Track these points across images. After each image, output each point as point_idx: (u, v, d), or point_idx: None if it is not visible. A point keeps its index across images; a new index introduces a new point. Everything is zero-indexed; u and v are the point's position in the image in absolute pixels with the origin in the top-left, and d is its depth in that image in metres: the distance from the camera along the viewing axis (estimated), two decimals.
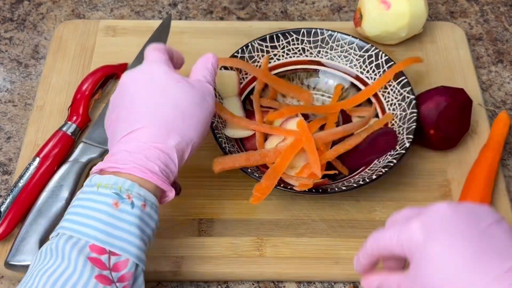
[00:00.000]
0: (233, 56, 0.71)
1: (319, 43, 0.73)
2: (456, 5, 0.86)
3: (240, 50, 0.71)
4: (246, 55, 0.72)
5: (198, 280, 0.62)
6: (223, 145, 0.63)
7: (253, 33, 0.81)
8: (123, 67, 0.75)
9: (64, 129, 0.69)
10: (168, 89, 0.55)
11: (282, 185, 0.61)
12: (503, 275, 0.40)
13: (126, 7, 0.86)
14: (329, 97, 0.73)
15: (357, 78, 0.72)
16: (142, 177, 0.51)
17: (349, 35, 0.72)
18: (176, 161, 0.54)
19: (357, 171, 0.65)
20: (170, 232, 0.64)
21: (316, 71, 0.74)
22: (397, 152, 0.63)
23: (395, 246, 0.46)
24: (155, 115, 0.54)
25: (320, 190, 0.61)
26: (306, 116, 0.69)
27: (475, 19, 0.85)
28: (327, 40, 0.72)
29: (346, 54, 0.72)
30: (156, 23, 0.81)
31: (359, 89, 0.72)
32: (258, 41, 0.72)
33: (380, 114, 0.69)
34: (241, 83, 0.71)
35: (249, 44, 0.72)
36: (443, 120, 0.66)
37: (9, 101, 0.76)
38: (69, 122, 0.69)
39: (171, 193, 0.54)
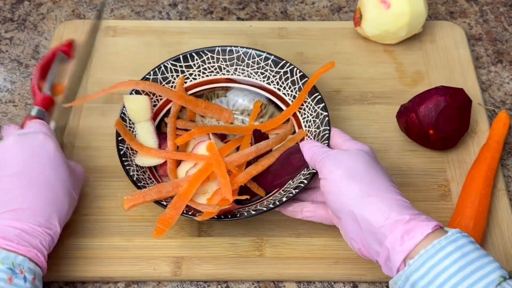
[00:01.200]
0: (144, 78, 0.69)
1: (235, 60, 0.71)
2: (456, 5, 0.86)
3: (152, 72, 0.69)
4: (159, 76, 0.70)
5: (198, 280, 0.63)
6: (131, 173, 0.62)
7: (254, 32, 0.81)
8: (69, 44, 0.76)
9: (32, 113, 0.69)
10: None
11: (190, 213, 0.59)
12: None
13: (126, 8, 0.86)
14: (248, 115, 0.71)
15: (275, 94, 0.71)
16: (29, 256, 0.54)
17: (264, 52, 0.71)
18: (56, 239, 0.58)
19: (272, 192, 0.64)
20: (170, 232, 0.64)
21: (233, 89, 0.72)
22: (309, 171, 0.62)
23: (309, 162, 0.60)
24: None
25: (229, 216, 0.60)
26: (224, 137, 0.68)
27: (474, 19, 0.85)
28: (242, 57, 0.71)
29: (262, 71, 0.71)
30: (156, 23, 0.82)
31: (277, 106, 0.71)
32: (171, 61, 0.70)
33: (297, 130, 0.68)
34: (155, 105, 0.69)
35: (161, 65, 0.70)
36: (443, 120, 0.66)
37: (10, 101, 0.76)
38: (34, 106, 0.70)
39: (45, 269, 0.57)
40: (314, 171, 0.61)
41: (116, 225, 0.65)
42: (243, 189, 0.63)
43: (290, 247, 0.63)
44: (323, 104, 0.66)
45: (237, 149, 0.66)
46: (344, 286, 0.62)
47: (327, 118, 0.65)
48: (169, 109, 0.70)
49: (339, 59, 0.79)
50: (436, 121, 0.66)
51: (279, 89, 0.71)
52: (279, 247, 0.63)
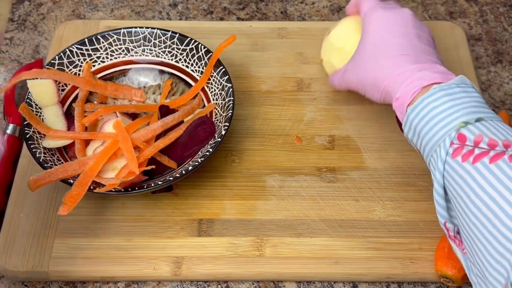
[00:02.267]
0: (49, 64, 0.69)
1: (142, 41, 0.72)
2: (456, 6, 0.86)
3: (57, 57, 0.70)
4: (65, 61, 0.70)
5: (198, 280, 0.63)
6: (37, 155, 0.62)
7: (254, 32, 0.81)
8: (38, 63, 0.78)
9: (8, 131, 0.71)
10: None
11: (96, 188, 0.60)
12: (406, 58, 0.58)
13: (126, 8, 0.86)
14: (160, 94, 0.73)
15: (183, 72, 0.72)
16: None
17: (168, 30, 0.72)
18: None
19: (183, 163, 0.65)
20: (170, 232, 0.64)
21: (143, 69, 0.73)
22: (215, 140, 0.64)
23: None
24: None
25: (136, 188, 0.61)
26: (136, 116, 0.69)
27: (474, 19, 0.85)
28: (149, 37, 0.72)
29: (170, 49, 0.72)
30: (156, 24, 0.81)
31: (187, 83, 0.72)
32: (76, 46, 0.71)
33: (206, 104, 0.70)
34: (63, 89, 0.69)
35: (66, 49, 0.70)
36: None
37: None
38: (10, 124, 0.72)
39: None
40: (219, 140, 0.63)
41: (116, 225, 0.65)
42: (156, 164, 0.64)
43: (290, 247, 0.63)
44: (227, 76, 0.68)
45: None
46: (344, 286, 0.62)
47: (231, 89, 0.67)
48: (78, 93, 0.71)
49: None
50: None
51: (187, 66, 0.72)
52: (279, 247, 0.63)
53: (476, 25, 0.84)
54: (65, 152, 0.66)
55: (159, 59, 0.73)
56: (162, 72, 0.73)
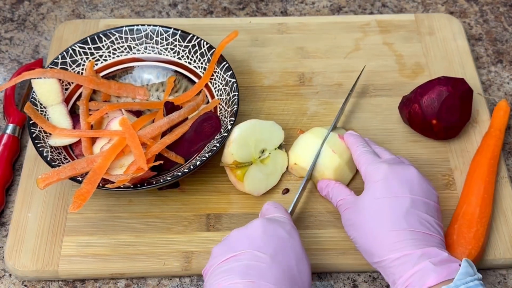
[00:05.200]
0: (53, 63, 0.70)
1: (144, 39, 0.72)
2: (456, 5, 0.87)
3: (60, 56, 0.70)
4: (68, 60, 0.70)
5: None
6: (44, 154, 0.62)
7: (254, 28, 0.81)
8: (38, 62, 0.77)
9: (7, 131, 0.71)
10: (301, 257, 0.54)
11: (106, 185, 0.60)
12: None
13: (126, 7, 0.86)
14: (163, 91, 0.73)
15: (186, 68, 0.73)
16: None
17: (170, 27, 0.72)
18: None
19: (191, 159, 0.66)
20: (178, 227, 0.64)
21: (140, 67, 0.73)
22: (221, 135, 0.64)
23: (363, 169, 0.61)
24: None
25: (146, 184, 0.61)
26: (140, 114, 0.69)
27: (474, 19, 0.85)
28: (151, 35, 0.72)
29: (172, 46, 0.72)
30: (156, 21, 0.81)
31: (190, 79, 0.72)
32: (79, 44, 0.71)
33: (210, 100, 0.70)
34: (67, 88, 0.69)
35: (69, 48, 0.70)
36: (445, 110, 0.66)
37: None
38: (9, 124, 0.72)
39: None
40: (226, 134, 0.63)
41: (124, 222, 0.65)
42: (163, 160, 0.64)
43: None
44: (231, 71, 0.69)
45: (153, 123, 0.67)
46: (344, 286, 0.63)
47: (235, 85, 0.67)
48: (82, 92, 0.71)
49: (339, 53, 0.79)
50: (439, 111, 0.66)
51: (189, 63, 0.72)
52: None
53: (476, 25, 0.85)
54: (71, 151, 0.66)
55: (162, 56, 0.73)
56: (165, 69, 0.74)
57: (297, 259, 0.53)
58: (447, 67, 0.77)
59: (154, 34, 0.73)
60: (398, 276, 0.53)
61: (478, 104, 0.74)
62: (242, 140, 0.63)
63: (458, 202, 0.65)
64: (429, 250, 0.53)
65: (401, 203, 0.55)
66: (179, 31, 0.72)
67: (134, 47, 0.73)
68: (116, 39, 0.72)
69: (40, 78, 0.67)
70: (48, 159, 0.62)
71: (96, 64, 0.72)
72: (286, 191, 0.67)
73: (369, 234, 0.56)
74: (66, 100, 0.69)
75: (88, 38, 0.71)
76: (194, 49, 0.72)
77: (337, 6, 0.87)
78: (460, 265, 0.51)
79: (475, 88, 0.75)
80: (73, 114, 0.69)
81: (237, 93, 0.67)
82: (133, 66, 0.74)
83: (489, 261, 0.63)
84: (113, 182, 0.60)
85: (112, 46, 0.72)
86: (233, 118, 0.65)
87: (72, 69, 0.71)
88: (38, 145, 0.63)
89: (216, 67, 0.70)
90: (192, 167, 0.62)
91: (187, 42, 0.72)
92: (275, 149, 0.67)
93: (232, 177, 0.65)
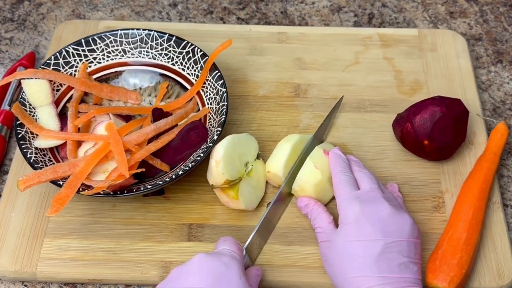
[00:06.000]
0: (45, 64, 0.69)
1: (139, 43, 0.72)
2: (456, 5, 0.85)
3: (53, 57, 0.70)
4: (61, 61, 0.70)
5: None
6: (28, 155, 0.62)
7: (254, 36, 0.80)
8: (29, 56, 0.77)
9: None
10: None
11: (85, 191, 0.59)
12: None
13: (126, 8, 0.86)
14: (155, 96, 0.72)
15: (179, 75, 0.72)
16: None
17: (165, 33, 0.72)
18: None
19: (176, 167, 0.65)
20: (160, 236, 0.64)
21: (140, 71, 0.73)
22: (206, 145, 0.63)
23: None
24: None
25: (126, 191, 0.60)
26: (130, 118, 0.69)
27: (474, 19, 0.84)
28: (145, 39, 0.72)
29: (166, 52, 0.72)
30: (155, 25, 0.81)
31: (182, 86, 0.72)
32: (72, 46, 0.70)
33: (201, 108, 0.70)
34: (58, 89, 0.69)
35: (63, 49, 0.70)
36: (438, 130, 0.65)
37: None
38: None
39: None
40: (211, 145, 0.63)
41: (106, 227, 0.65)
42: (148, 167, 0.64)
43: (280, 255, 0.63)
44: (222, 80, 0.68)
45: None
46: None
47: (225, 94, 0.66)
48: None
49: (338, 65, 0.78)
50: (431, 131, 0.65)
51: (183, 69, 0.72)
52: (269, 255, 0.63)
53: (476, 25, 0.83)
54: (57, 153, 0.66)
55: (156, 61, 0.73)
56: (158, 74, 0.73)
57: None
58: (446, 86, 0.76)
59: (148, 39, 0.72)
60: None
61: (476, 126, 0.72)
62: (228, 157, 0.63)
63: (446, 226, 0.63)
64: None
65: (373, 247, 0.55)
66: (174, 37, 0.72)
67: (128, 51, 0.73)
68: (111, 42, 0.72)
69: (31, 78, 0.67)
70: (31, 160, 0.62)
71: (90, 67, 0.72)
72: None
73: (340, 275, 0.56)
74: (57, 101, 0.69)
75: (83, 40, 0.71)
76: (188, 56, 0.71)
77: (337, 6, 0.85)
78: None
79: (474, 109, 0.73)
80: (63, 115, 0.69)
81: (226, 103, 0.66)
82: (126, 70, 0.73)
83: None
84: (93, 187, 0.60)
85: (106, 49, 0.72)
86: (219, 129, 0.64)
87: (65, 71, 0.71)
88: (23, 146, 0.63)
89: (208, 75, 0.70)
90: (174, 176, 0.61)
91: (181, 49, 0.72)
92: (255, 160, 0.66)
93: (224, 198, 0.63)
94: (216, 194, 0.64)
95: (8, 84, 0.75)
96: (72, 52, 0.71)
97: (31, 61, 0.78)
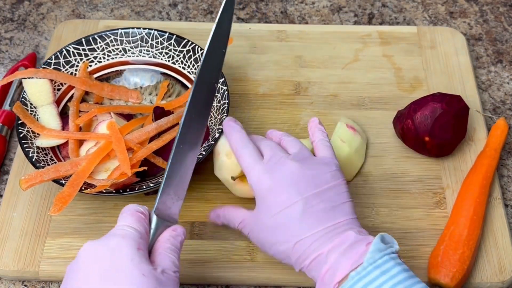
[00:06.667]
0: (46, 63, 0.69)
1: (139, 42, 0.72)
2: (456, 5, 0.86)
3: (54, 56, 0.70)
4: (62, 60, 0.70)
5: (188, 284, 0.62)
6: (30, 155, 0.62)
7: (253, 35, 0.81)
8: (30, 57, 0.77)
9: None
10: (127, 282, 0.46)
11: (87, 189, 0.59)
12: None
13: (126, 7, 0.86)
14: (156, 95, 0.72)
15: (180, 73, 0.72)
16: None
17: (165, 32, 0.72)
18: None
19: None
20: None
21: (140, 70, 0.73)
22: (208, 143, 0.63)
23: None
24: None
25: (128, 190, 0.60)
26: (131, 117, 0.69)
27: (474, 19, 0.84)
28: (146, 38, 0.72)
29: (167, 51, 0.72)
30: (155, 24, 0.81)
31: (183, 84, 0.72)
32: (73, 45, 0.71)
33: None
34: (59, 89, 0.69)
35: (63, 49, 0.70)
36: (438, 127, 0.65)
37: None
38: None
39: None
40: (213, 143, 0.62)
41: (108, 226, 0.64)
42: (150, 166, 0.64)
43: None
44: (223, 79, 0.68)
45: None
46: None
47: (226, 92, 0.66)
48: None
49: (338, 63, 0.78)
50: (432, 128, 0.65)
51: (183, 68, 0.72)
52: None
53: (476, 25, 0.83)
54: (59, 152, 0.66)
55: (156, 60, 0.73)
56: (158, 73, 0.73)
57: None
58: (446, 83, 0.76)
59: (149, 38, 0.72)
60: (316, 277, 0.52)
61: (476, 122, 0.72)
62: None
63: (447, 222, 0.63)
64: (337, 241, 0.51)
65: (294, 211, 0.53)
66: (174, 36, 0.72)
67: (128, 50, 0.73)
68: (111, 41, 0.72)
69: (32, 78, 0.67)
70: (33, 160, 0.62)
71: (90, 66, 0.72)
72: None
73: (279, 250, 0.54)
74: (58, 101, 0.69)
75: (83, 40, 0.71)
76: (189, 54, 0.71)
77: (337, 6, 0.86)
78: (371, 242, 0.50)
79: (474, 105, 0.73)
80: (65, 115, 0.69)
81: (227, 101, 0.66)
82: (127, 69, 0.73)
83: (475, 285, 0.61)
84: (96, 186, 0.60)
85: (106, 48, 0.72)
86: (221, 127, 0.64)
87: (66, 70, 0.71)
88: (25, 145, 0.63)
89: None
90: None
91: (181, 47, 0.72)
92: None
93: (242, 187, 0.62)
94: (233, 189, 0.63)
95: (10, 84, 0.75)
96: (72, 52, 0.71)
97: (32, 61, 0.78)
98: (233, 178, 0.62)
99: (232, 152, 0.60)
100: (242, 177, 0.61)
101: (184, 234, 0.53)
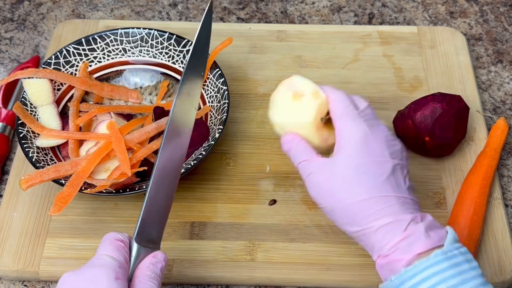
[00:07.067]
0: (46, 63, 0.69)
1: (139, 42, 0.72)
2: (456, 5, 0.86)
3: (54, 56, 0.70)
4: (62, 60, 0.70)
5: (188, 284, 0.62)
6: (30, 155, 0.62)
7: (253, 35, 0.81)
8: (34, 60, 0.78)
9: None
10: None
11: (88, 189, 0.59)
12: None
13: (126, 7, 0.86)
14: (156, 95, 0.72)
15: (180, 73, 0.72)
16: None
17: (165, 32, 0.72)
18: None
19: None
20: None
21: (140, 70, 0.73)
22: (208, 143, 0.63)
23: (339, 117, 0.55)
24: None
25: (128, 190, 0.60)
26: (131, 117, 0.69)
27: (474, 19, 0.84)
28: (146, 38, 0.72)
29: (167, 50, 0.72)
30: (155, 24, 0.81)
31: None
32: (73, 45, 0.71)
33: (202, 106, 0.70)
34: (59, 89, 0.69)
35: (63, 49, 0.70)
36: (438, 127, 0.65)
37: None
38: None
39: None
40: (213, 143, 0.62)
41: (108, 226, 0.65)
42: (150, 165, 0.63)
43: (282, 252, 0.63)
44: (223, 79, 0.68)
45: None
46: None
47: (226, 92, 0.67)
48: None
49: (338, 63, 0.78)
50: (432, 128, 0.65)
51: (184, 68, 0.71)
52: (271, 252, 0.63)
53: (476, 25, 0.83)
54: (59, 152, 0.66)
55: (156, 60, 0.73)
56: (158, 73, 0.73)
57: None
58: (446, 83, 0.76)
59: (149, 38, 0.72)
60: (385, 243, 0.50)
61: (476, 122, 0.72)
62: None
63: (447, 222, 0.63)
64: (417, 215, 0.51)
65: (383, 167, 0.52)
66: (174, 35, 0.72)
67: (128, 50, 0.73)
68: (111, 41, 0.72)
69: (32, 78, 0.67)
70: (33, 160, 0.62)
71: (90, 66, 0.72)
72: (273, 202, 0.66)
73: (348, 201, 0.52)
74: (58, 101, 0.69)
75: (83, 39, 0.71)
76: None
77: (337, 6, 0.86)
78: (447, 231, 0.50)
79: (474, 105, 0.73)
80: (65, 115, 0.69)
81: (227, 101, 0.66)
82: (127, 69, 0.73)
83: None
84: (96, 186, 0.60)
85: (106, 48, 0.72)
86: (221, 127, 0.64)
87: (66, 70, 0.71)
88: (24, 145, 0.63)
89: (209, 73, 0.70)
90: None
91: (181, 47, 0.72)
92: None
93: (323, 133, 0.56)
94: (314, 134, 0.56)
95: (14, 85, 0.75)
96: (72, 52, 0.71)
97: (36, 64, 0.78)
98: (322, 120, 0.56)
99: (318, 92, 0.57)
100: (325, 122, 0.56)
101: (165, 260, 0.52)
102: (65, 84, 0.70)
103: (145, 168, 0.63)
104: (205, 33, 0.60)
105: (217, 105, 0.68)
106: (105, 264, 0.48)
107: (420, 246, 0.48)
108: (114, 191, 0.60)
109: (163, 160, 0.54)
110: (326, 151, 0.57)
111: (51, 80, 0.68)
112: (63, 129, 0.67)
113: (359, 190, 0.51)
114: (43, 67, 0.69)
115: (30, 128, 0.65)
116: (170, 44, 0.72)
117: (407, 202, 0.52)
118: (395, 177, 0.52)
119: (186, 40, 0.72)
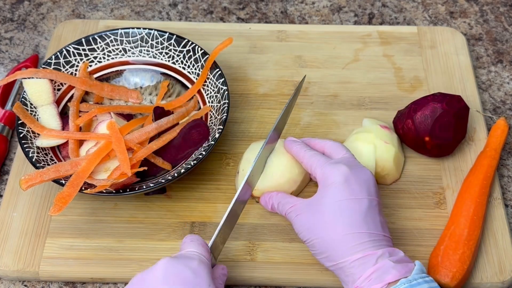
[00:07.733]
0: (46, 63, 0.69)
1: (139, 42, 0.72)
2: (456, 5, 0.86)
3: (54, 57, 0.70)
4: (62, 60, 0.70)
5: None
6: (30, 155, 0.62)
7: (253, 35, 0.81)
8: (32, 59, 0.77)
9: None
10: None
11: (88, 189, 0.60)
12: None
13: (126, 7, 0.86)
14: (156, 95, 0.72)
15: (180, 73, 0.72)
16: None
17: (166, 32, 0.72)
18: None
19: (178, 165, 0.65)
20: (162, 234, 0.64)
21: (140, 70, 0.73)
22: (208, 143, 0.64)
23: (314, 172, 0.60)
24: None
25: (128, 190, 0.61)
26: (131, 117, 0.69)
27: (474, 19, 0.84)
28: (146, 38, 0.72)
29: (167, 51, 0.72)
30: (155, 24, 0.81)
31: (183, 84, 0.72)
32: (73, 45, 0.71)
33: (202, 106, 0.70)
34: (59, 89, 0.69)
35: (63, 49, 0.70)
36: (438, 127, 0.65)
37: None
38: None
39: None
40: (213, 143, 0.63)
41: (108, 226, 0.65)
42: (150, 166, 0.64)
43: (282, 252, 0.63)
44: (223, 79, 0.68)
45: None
46: None
47: (226, 92, 0.67)
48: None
49: (338, 63, 0.78)
50: (432, 128, 0.65)
51: (183, 68, 0.72)
52: (271, 252, 0.63)
53: (476, 25, 0.83)
54: (59, 152, 0.66)
55: (156, 60, 0.73)
56: (158, 73, 0.73)
57: None
58: (446, 83, 0.76)
59: (149, 38, 0.72)
60: (358, 276, 0.54)
61: (476, 122, 0.72)
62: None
63: (447, 222, 0.63)
64: (388, 250, 0.55)
65: (360, 205, 0.56)
66: (174, 36, 0.72)
67: (128, 50, 0.73)
68: (111, 41, 0.72)
69: (32, 78, 0.67)
70: (33, 160, 0.62)
71: (90, 66, 0.72)
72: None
73: (328, 237, 0.56)
74: (58, 101, 0.69)
75: (83, 40, 0.71)
76: (189, 54, 0.71)
77: (337, 6, 0.86)
78: (415, 264, 0.54)
79: (474, 105, 0.73)
80: (65, 115, 0.69)
81: (227, 101, 0.66)
82: (127, 69, 0.73)
83: (475, 285, 0.61)
84: (96, 186, 0.60)
85: (106, 48, 0.72)
86: (221, 127, 0.64)
87: (66, 70, 0.71)
88: (25, 145, 0.63)
89: (209, 73, 0.70)
90: (176, 174, 0.61)
91: (181, 47, 0.72)
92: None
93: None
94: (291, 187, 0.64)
95: (12, 85, 0.75)
96: (72, 52, 0.71)
97: (34, 63, 0.78)
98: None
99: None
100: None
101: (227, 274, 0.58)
102: (65, 84, 0.70)
103: (145, 168, 0.63)
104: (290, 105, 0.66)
105: (217, 105, 0.68)
106: (203, 261, 0.53)
107: (390, 276, 0.52)
108: (114, 191, 0.60)
109: (244, 192, 0.60)
110: (298, 187, 0.65)
111: (51, 80, 0.68)
112: (63, 129, 0.67)
113: (337, 227, 0.55)
114: (43, 67, 0.69)
115: (30, 128, 0.65)
116: (170, 44, 0.72)
117: (379, 238, 0.55)
118: (371, 215, 0.56)
119: (186, 40, 0.72)
